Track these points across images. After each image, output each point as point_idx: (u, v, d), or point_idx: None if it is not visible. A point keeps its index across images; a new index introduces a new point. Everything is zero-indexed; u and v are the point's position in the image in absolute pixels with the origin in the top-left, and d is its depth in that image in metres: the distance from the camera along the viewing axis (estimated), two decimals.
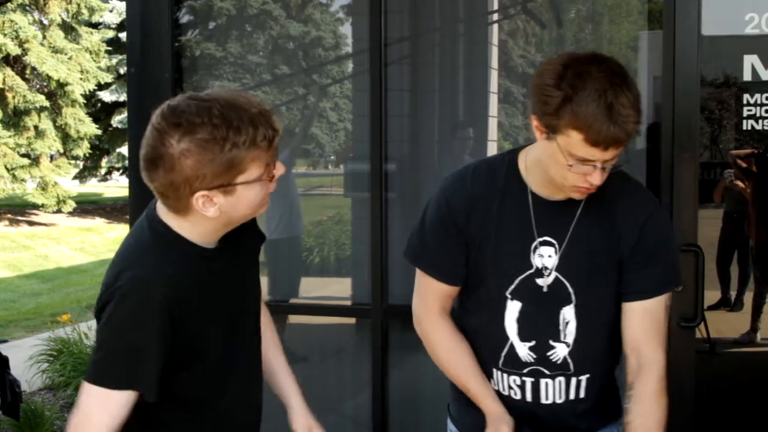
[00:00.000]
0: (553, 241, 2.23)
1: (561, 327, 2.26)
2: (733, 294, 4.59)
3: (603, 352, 2.35)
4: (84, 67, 23.31)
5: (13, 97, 21.50)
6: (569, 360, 2.29)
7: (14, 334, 9.64)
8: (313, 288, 4.80)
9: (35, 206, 22.91)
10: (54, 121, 22.66)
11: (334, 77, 5.25)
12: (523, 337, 2.27)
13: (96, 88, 24.46)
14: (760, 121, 3.85)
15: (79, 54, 23.45)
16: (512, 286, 2.25)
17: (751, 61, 3.83)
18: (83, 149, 23.82)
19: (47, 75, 21.86)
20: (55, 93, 22.52)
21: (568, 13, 4.85)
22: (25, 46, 21.67)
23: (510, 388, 2.32)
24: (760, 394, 3.91)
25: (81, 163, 27.86)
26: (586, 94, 1.96)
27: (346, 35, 5.19)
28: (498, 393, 2.33)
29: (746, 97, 3.86)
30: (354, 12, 4.90)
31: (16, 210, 23.95)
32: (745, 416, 3.85)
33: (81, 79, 22.95)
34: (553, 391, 2.31)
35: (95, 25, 25.85)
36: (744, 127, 3.89)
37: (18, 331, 9.90)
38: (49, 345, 7.29)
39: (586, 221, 2.23)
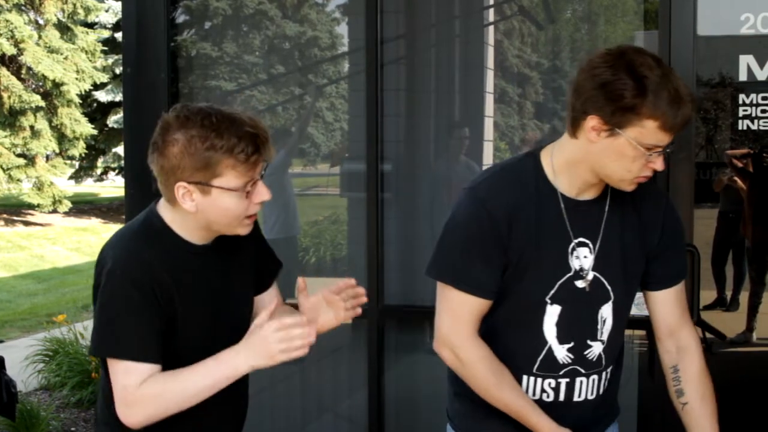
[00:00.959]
0: (588, 242, 2.23)
1: (599, 326, 2.27)
2: (728, 294, 4.60)
3: (621, 340, 2.40)
4: (80, 67, 23.27)
5: (9, 97, 21.46)
6: (603, 356, 2.30)
7: (10, 335, 9.62)
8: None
9: (31, 206, 22.87)
10: (50, 121, 22.61)
11: (330, 77, 5.25)
12: (562, 339, 2.25)
13: (92, 88, 24.41)
14: (756, 121, 3.86)
15: (75, 54, 23.41)
16: (552, 291, 2.22)
17: (746, 61, 3.83)
18: (79, 149, 23.78)
19: (43, 75, 21.82)
20: (51, 93, 22.49)
21: (563, 13, 4.86)
22: (21, 45, 21.63)
23: (543, 391, 2.30)
24: (756, 394, 3.92)
25: (77, 163, 27.80)
26: (656, 82, 1.99)
27: (342, 35, 5.19)
28: None
29: (742, 97, 3.87)
30: (350, 12, 4.90)
31: (12, 210, 23.91)
32: (741, 416, 3.86)
33: (77, 79, 22.92)
34: (586, 388, 2.31)
35: (91, 25, 25.80)
36: (739, 127, 3.90)
37: (14, 332, 9.89)
38: (45, 345, 7.27)
39: (614, 217, 2.25)
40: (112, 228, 21.66)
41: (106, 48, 25.45)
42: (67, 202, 22.76)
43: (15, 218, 23.10)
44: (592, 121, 2.07)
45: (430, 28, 4.59)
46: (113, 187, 30.47)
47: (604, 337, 2.28)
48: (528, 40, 4.81)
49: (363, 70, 4.13)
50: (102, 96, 26.03)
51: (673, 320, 2.34)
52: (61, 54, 22.92)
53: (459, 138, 4.58)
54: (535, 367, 2.28)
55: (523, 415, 2.22)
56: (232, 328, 2.28)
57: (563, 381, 2.28)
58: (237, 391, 2.32)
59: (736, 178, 4.41)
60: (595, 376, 2.31)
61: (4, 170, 21.73)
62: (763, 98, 3.82)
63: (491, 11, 4.70)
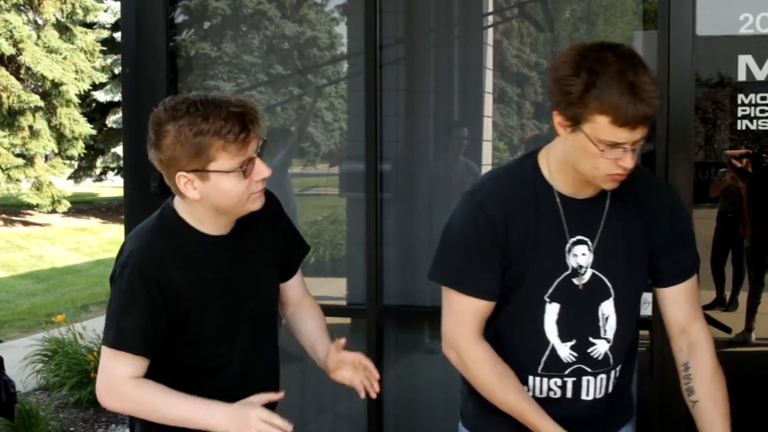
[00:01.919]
0: (586, 239, 2.22)
1: (601, 323, 2.26)
2: (727, 294, 4.60)
3: (631, 338, 2.38)
4: (79, 67, 23.26)
5: (8, 97, 21.44)
6: (609, 355, 2.29)
7: (9, 335, 9.62)
8: (309, 287, 4.79)
9: (30, 206, 22.86)
10: (49, 121, 22.60)
11: (329, 77, 5.25)
12: (564, 337, 2.25)
13: (91, 88, 24.39)
14: (755, 121, 3.86)
15: (74, 54, 23.40)
16: (550, 290, 2.23)
17: (745, 61, 3.83)
18: (78, 149, 23.77)
19: (42, 75, 21.81)
20: (50, 93, 22.47)
21: (563, 13, 4.86)
22: (20, 45, 21.61)
23: (550, 389, 2.29)
24: (756, 394, 3.91)
25: (76, 163, 27.79)
26: (607, 76, 1.96)
27: (341, 35, 5.19)
28: (535, 399, 2.29)
29: (741, 97, 3.87)
30: (349, 12, 4.90)
31: (11, 210, 23.91)
32: (740, 416, 3.86)
33: (76, 79, 22.91)
34: (594, 387, 2.29)
35: (90, 25, 25.80)
36: (738, 127, 3.90)
37: (12, 332, 9.88)
38: (44, 345, 7.27)
39: (615, 213, 2.24)
40: (111, 228, 21.68)
41: (105, 48, 25.44)
42: (66, 202, 22.75)
43: (14, 218, 23.10)
44: (556, 118, 2.09)
45: (429, 29, 4.59)
46: (112, 187, 30.47)
47: (609, 335, 2.27)
48: (527, 40, 4.81)
49: (362, 71, 4.13)
50: (101, 96, 26.02)
51: (684, 317, 2.32)
52: (60, 54, 22.91)
53: (458, 138, 4.58)
54: (540, 367, 2.28)
55: (527, 418, 2.23)
56: (254, 318, 2.39)
57: (569, 380, 2.28)
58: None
59: (735, 178, 4.42)
60: (603, 375, 2.30)
61: (3, 170, 21.72)
62: (762, 98, 3.82)
63: (491, 10, 4.70)
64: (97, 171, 28.95)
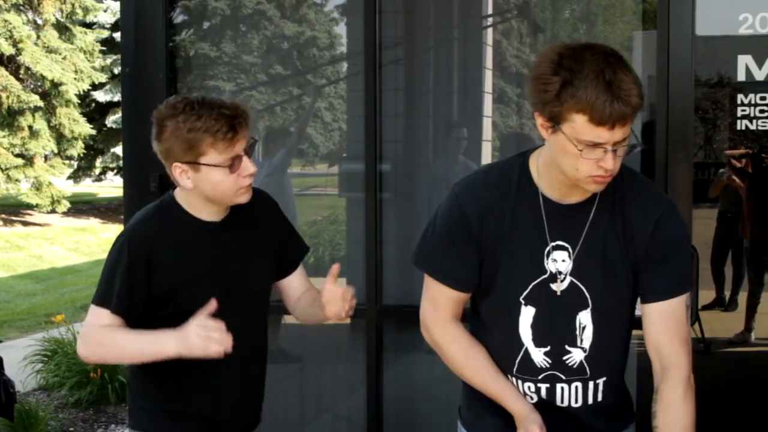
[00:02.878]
0: (567, 245, 2.20)
1: (578, 332, 2.23)
2: (727, 294, 4.60)
3: (619, 354, 2.34)
4: (78, 67, 23.25)
5: (7, 97, 21.43)
6: (585, 364, 2.26)
7: (8, 335, 9.62)
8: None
9: (29, 206, 22.86)
10: (48, 121, 22.59)
11: (328, 77, 5.25)
12: (538, 342, 2.24)
13: (90, 88, 24.38)
14: (754, 121, 3.86)
15: (74, 54, 23.39)
16: (526, 292, 2.21)
17: (745, 61, 3.83)
18: (77, 149, 23.76)
19: (41, 75, 21.79)
20: (50, 93, 22.46)
21: (562, 13, 4.86)
22: (19, 45, 21.60)
23: (525, 394, 2.28)
24: (755, 394, 3.92)
25: (75, 163, 27.78)
26: (584, 75, 1.95)
27: (340, 35, 5.19)
28: None
29: (740, 97, 3.87)
30: (348, 12, 4.90)
31: (10, 210, 23.90)
32: (740, 416, 3.86)
33: (75, 79, 22.89)
34: (569, 395, 2.28)
35: (89, 25, 25.78)
36: (738, 127, 3.89)
37: (12, 332, 9.88)
38: (44, 345, 7.27)
39: (599, 223, 2.20)
40: (111, 228, 21.67)
41: (104, 48, 25.43)
42: (65, 202, 22.75)
43: (13, 218, 23.10)
44: (538, 119, 2.08)
45: (428, 29, 4.59)
46: (112, 187, 30.46)
47: (585, 344, 2.24)
48: (527, 41, 4.81)
49: (361, 71, 4.13)
50: (100, 96, 26.01)
51: (660, 337, 2.22)
52: (60, 54, 22.90)
53: (457, 138, 4.58)
54: (515, 368, 2.28)
55: (497, 396, 2.25)
56: (244, 303, 2.61)
57: (543, 386, 2.27)
58: (249, 384, 2.67)
59: (734, 178, 4.42)
60: (578, 384, 2.27)
61: (2, 170, 21.71)
62: (762, 98, 3.82)
63: (490, 11, 4.70)
64: (97, 171, 28.96)
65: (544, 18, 4.85)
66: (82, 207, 25.99)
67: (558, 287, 2.20)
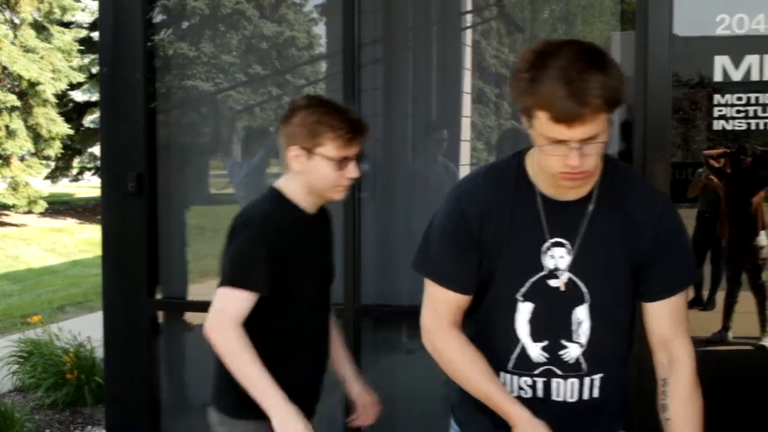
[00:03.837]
0: (565, 242, 2.20)
1: (574, 327, 2.23)
2: (705, 293, 4.62)
3: (618, 351, 2.33)
4: (56, 66, 23.11)
5: None
6: (582, 360, 2.26)
7: None
8: None
9: (6, 207, 22.70)
10: (25, 121, 22.43)
11: (308, 77, 5.24)
12: (536, 337, 2.24)
13: (68, 87, 24.24)
14: (731, 121, 3.88)
15: (51, 53, 23.25)
16: (524, 288, 2.22)
17: (722, 62, 3.85)
18: (55, 149, 23.60)
19: (18, 74, 21.64)
20: (27, 93, 22.31)
21: (541, 13, 4.87)
22: None
23: (520, 388, 2.29)
24: (733, 393, 3.93)
25: (52, 163, 27.61)
26: (547, 72, 1.95)
27: (320, 35, 5.19)
28: None
29: (717, 97, 3.89)
30: (327, 12, 4.90)
31: None
32: (718, 415, 3.87)
33: (53, 78, 22.75)
34: (564, 390, 2.27)
35: (67, 24, 25.64)
36: (715, 128, 3.92)
37: None
38: (20, 347, 7.21)
39: (599, 219, 2.20)
40: (88, 228, 21.56)
41: (82, 47, 25.29)
42: (42, 202, 22.60)
43: None
44: (521, 115, 2.10)
45: (407, 28, 4.59)
46: (89, 187, 30.30)
47: (582, 339, 2.24)
48: (506, 41, 4.81)
49: (340, 70, 4.12)
50: (78, 96, 25.86)
51: (667, 332, 2.25)
52: (37, 53, 22.75)
53: (436, 138, 4.58)
54: (511, 364, 2.27)
55: (496, 402, 2.24)
56: (327, 296, 2.96)
57: (539, 380, 2.27)
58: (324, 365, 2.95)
59: (713, 178, 4.44)
60: (575, 380, 2.27)
61: None
62: (738, 99, 3.84)
63: (469, 12, 4.70)
64: (74, 171, 28.78)
65: (523, 18, 4.86)
66: (59, 207, 25.83)
67: (557, 283, 2.21)
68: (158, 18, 4.88)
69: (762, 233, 4.74)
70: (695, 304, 4.52)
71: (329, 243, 2.99)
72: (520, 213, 2.20)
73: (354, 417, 3.10)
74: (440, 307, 2.29)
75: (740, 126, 3.88)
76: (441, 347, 2.29)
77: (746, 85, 3.84)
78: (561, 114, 1.95)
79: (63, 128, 23.31)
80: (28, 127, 22.52)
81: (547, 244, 2.21)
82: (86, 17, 25.81)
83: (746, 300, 4.76)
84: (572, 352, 2.25)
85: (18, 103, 21.83)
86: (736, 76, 3.85)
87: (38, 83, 21.99)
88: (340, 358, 3.07)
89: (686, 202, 4.48)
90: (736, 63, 3.84)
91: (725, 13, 3.75)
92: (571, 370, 2.26)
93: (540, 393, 2.28)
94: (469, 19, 4.69)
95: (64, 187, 31.31)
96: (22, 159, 23.91)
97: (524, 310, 2.23)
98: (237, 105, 4.92)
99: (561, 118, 1.95)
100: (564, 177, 2.08)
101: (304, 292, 2.78)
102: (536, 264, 2.21)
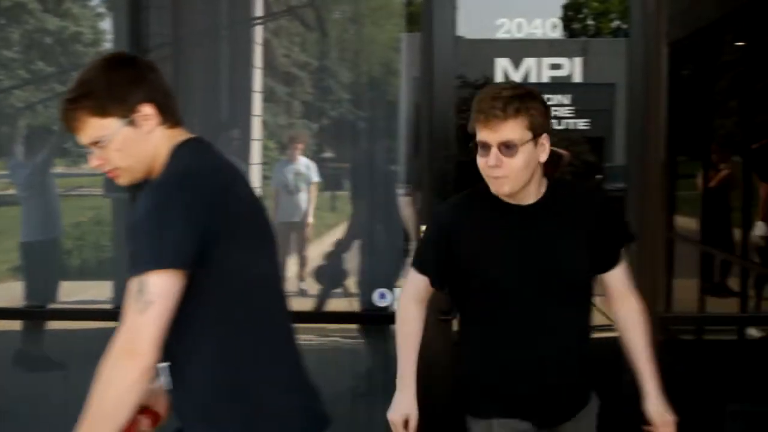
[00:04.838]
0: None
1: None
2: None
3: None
4: None
5: None
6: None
7: None
8: (73, 292, 4.64)
9: None
10: None
11: None
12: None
13: None
14: None
15: None
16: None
17: (502, 63, 4.01)
18: None
19: None
20: None
21: (332, 14, 4.92)
22: None
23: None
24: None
25: None
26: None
27: (106, 31, 5.06)
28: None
29: None
30: (113, 7, 4.77)
31: None
32: None
33: None
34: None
35: None
36: None
37: None
38: None
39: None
40: None
41: None
42: None
43: None
44: None
45: (196, 26, 4.53)
46: None
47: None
48: (297, 40, 4.83)
49: None
50: None
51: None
52: None
53: (228, 137, 4.55)
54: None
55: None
56: (558, 286, 2.55)
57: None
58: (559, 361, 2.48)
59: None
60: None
61: None
62: None
63: (259, 10, 4.69)
64: None
65: (314, 18, 4.88)
66: None
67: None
68: None
69: None
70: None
71: (557, 240, 2.58)
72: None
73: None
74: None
75: None
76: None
77: None
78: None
79: None
80: None
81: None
82: None
83: None
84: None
85: None
86: (516, 77, 4.01)
87: None
88: (639, 358, 2.60)
89: None
90: (516, 65, 3.99)
91: (505, 17, 3.90)
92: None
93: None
94: (259, 17, 4.68)
95: None
96: None
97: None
98: (19, 102, 4.73)
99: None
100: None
101: (492, 281, 2.51)
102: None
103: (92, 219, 4.81)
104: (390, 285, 4.06)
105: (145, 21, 4.03)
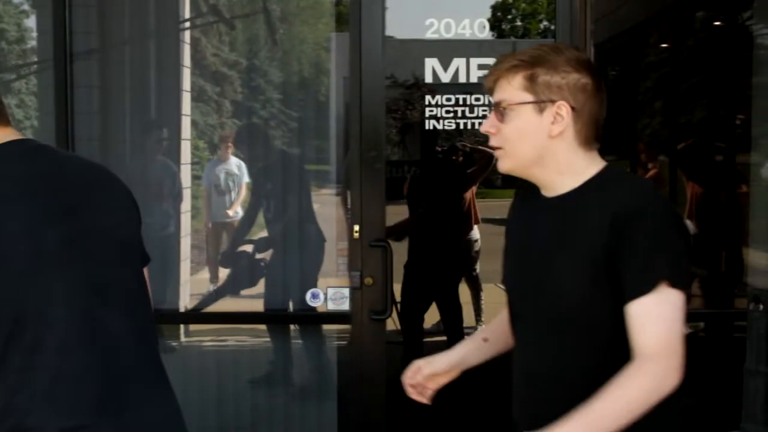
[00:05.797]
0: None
1: None
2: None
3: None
4: None
5: None
6: None
7: None
8: None
9: None
10: None
11: (19, 73, 5.01)
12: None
13: None
14: (441, 120, 4.04)
15: None
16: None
17: (432, 64, 4.01)
18: None
19: None
20: None
21: (261, 13, 4.89)
22: None
23: None
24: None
25: None
26: None
27: (31, 28, 4.97)
28: None
29: (428, 98, 4.05)
30: (38, 4, 4.69)
31: None
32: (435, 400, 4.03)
33: None
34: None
35: None
36: (427, 127, 4.06)
37: None
38: None
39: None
40: None
41: None
42: None
43: None
44: None
45: (123, 24, 4.46)
46: None
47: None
48: (226, 39, 4.80)
49: (52, 66, 3.96)
50: None
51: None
52: None
53: (156, 137, 4.49)
54: None
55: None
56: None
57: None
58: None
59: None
60: None
61: None
62: (447, 99, 4.01)
63: (187, 8, 4.64)
64: None
65: (242, 17, 4.85)
66: None
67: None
68: None
69: (475, 227, 5.00)
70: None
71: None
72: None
73: None
74: None
75: (450, 126, 4.05)
76: None
77: (454, 87, 4.02)
78: None
79: None
80: None
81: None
82: None
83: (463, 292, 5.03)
84: None
85: None
86: (445, 77, 4.03)
87: None
88: None
89: (402, 199, 4.64)
90: (445, 65, 4.01)
91: (434, 17, 3.91)
92: None
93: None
94: (187, 16, 4.64)
95: None
96: None
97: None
98: None
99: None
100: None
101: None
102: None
103: None
104: (313, 285, 4.03)
105: (69, 18, 3.98)
